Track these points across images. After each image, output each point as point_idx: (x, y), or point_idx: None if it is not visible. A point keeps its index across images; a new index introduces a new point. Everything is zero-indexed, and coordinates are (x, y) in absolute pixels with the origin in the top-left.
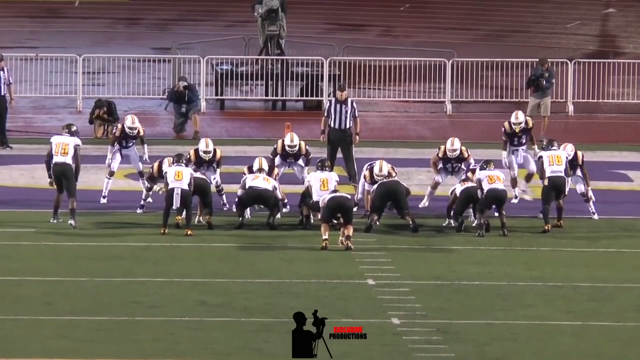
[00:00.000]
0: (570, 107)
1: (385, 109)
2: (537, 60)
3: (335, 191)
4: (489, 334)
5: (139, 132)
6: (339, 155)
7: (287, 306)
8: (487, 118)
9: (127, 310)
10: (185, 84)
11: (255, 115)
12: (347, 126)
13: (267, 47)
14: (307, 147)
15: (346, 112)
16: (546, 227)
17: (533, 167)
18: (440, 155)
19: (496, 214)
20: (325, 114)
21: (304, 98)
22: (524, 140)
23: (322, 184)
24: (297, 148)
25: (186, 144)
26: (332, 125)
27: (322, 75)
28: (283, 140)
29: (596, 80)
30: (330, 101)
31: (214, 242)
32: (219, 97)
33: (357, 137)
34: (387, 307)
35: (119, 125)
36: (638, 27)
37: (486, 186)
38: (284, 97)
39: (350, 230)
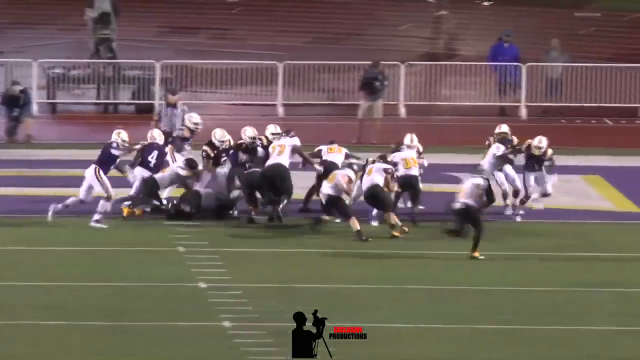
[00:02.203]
0: (402, 110)
1: (218, 112)
2: (370, 62)
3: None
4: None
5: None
6: None
7: (117, 309)
8: (319, 121)
9: None
10: (20, 87)
11: (87, 119)
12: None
13: (99, 50)
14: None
15: (177, 115)
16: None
17: (548, 187)
18: None
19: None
20: (157, 118)
21: (136, 101)
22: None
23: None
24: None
25: (18, 148)
26: (163, 128)
27: (154, 79)
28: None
29: (429, 83)
30: (161, 104)
31: (54, 246)
32: (50, 100)
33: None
34: (219, 310)
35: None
36: (470, 29)
37: (401, 172)
38: (115, 101)
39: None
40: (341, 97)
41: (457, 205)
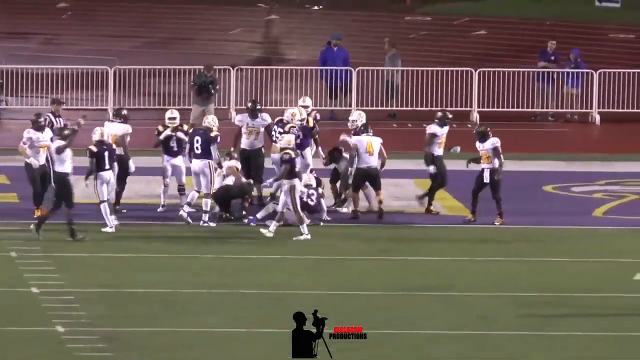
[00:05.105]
0: (233, 114)
1: None
2: (203, 66)
3: None
4: (155, 341)
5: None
6: None
7: None
8: (150, 125)
9: None
10: None
11: None
12: None
13: None
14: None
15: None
16: None
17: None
18: None
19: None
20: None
21: None
22: None
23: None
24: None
25: None
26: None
27: None
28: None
29: (260, 87)
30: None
31: None
32: None
33: None
34: (52, 315)
35: None
36: (301, 34)
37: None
38: None
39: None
40: (172, 102)
41: None
